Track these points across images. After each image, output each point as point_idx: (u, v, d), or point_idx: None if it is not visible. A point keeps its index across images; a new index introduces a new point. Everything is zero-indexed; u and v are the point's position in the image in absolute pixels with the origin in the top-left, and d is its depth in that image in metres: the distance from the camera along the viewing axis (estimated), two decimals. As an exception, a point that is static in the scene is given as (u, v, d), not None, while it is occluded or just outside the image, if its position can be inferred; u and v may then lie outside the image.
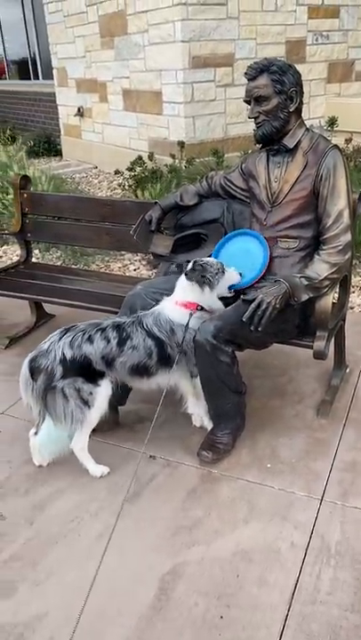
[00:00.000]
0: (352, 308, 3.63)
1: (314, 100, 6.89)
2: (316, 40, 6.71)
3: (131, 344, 2.19)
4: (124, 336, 2.20)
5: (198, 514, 2.09)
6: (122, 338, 2.19)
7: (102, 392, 2.19)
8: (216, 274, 2.25)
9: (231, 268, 2.30)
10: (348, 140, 5.56)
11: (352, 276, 3.97)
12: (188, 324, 2.21)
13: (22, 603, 1.80)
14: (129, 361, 2.20)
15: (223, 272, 2.27)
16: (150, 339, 2.21)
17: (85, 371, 2.15)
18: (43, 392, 2.13)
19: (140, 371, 2.24)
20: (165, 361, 2.24)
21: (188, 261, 2.33)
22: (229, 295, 2.31)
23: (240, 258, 2.39)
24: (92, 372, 2.16)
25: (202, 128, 6.24)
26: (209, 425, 2.44)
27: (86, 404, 2.16)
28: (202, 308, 2.25)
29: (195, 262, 2.26)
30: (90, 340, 2.16)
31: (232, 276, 2.29)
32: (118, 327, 2.22)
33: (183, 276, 2.28)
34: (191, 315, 2.22)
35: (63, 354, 2.13)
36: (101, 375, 2.19)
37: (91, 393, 2.16)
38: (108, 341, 2.18)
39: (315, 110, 6.89)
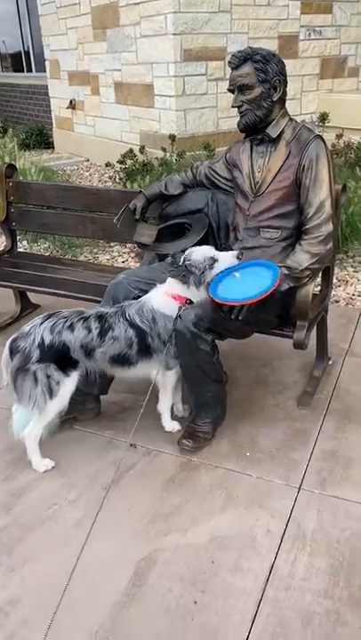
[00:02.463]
0: (338, 301, 3.64)
1: (306, 96, 6.89)
2: (309, 35, 6.71)
3: (112, 334, 2.19)
4: (106, 326, 2.19)
5: (176, 501, 2.10)
6: (103, 328, 2.18)
7: (68, 384, 2.19)
8: (202, 272, 2.21)
9: (228, 254, 2.25)
10: (339, 136, 5.56)
11: (338, 270, 4.02)
12: (177, 317, 2.19)
13: (-4, 588, 1.80)
14: (109, 351, 2.20)
15: (212, 265, 2.21)
16: (132, 329, 2.20)
17: (61, 358, 2.14)
18: (15, 372, 2.13)
19: (121, 360, 2.24)
20: (146, 351, 2.24)
21: (183, 251, 2.30)
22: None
23: (247, 277, 2.20)
24: (66, 361, 2.16)
25: (193, 122, 6.23)
26: (181, 414, 2.47)
27: (51, 392, 2.15)
28: (191, 302, 2.25)
29: (183, 260, 2.23)
30: (71, 327, 2.16)
31: (226, 261, 2.22)
32: (101, 317, 2.21)
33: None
34: (180, 308, 2.21)
35: (42, 338, 2.13)
36: (74, 366, 2.19)
37: (58, 382, 2.16)
38: (90, 331, 2.17)
39: (307, 106, 6.90)
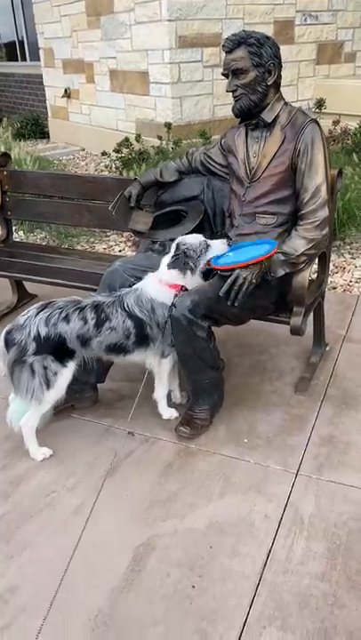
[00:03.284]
0: (335, 288, 3.64)
1: (303, 82, 6.84)
2: (305, 20, 6.64)
3: (109, 325, 2.18)
4: (103, 317, 2.18)
5: (174, 488, 2.10)
6: (100, 319, 2.18)
7: (65, 374, 2.19)
8: (199, 256, 2.23)
9: (218, 241, 2.28)
10: (335, 122, 5.53)
11: (335, 256, 4.01)
12: (172, 304, 2.19)
13: (-4, 575, 1.80)
14: (106, 341, 2.19)
15: (207, 249, 2.24)
16: (130, 320, 2.20)
17: (58, 349, 2.14)
18: (12, 364, 2.12)
19: (117, 349, 2.24)
20: (143, 340, 2.24)
21: (173, 239, 2.30)
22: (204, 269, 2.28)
23: (245, 252, 2.23)
24: (63, 352, 2.16)
25: (189, 109, 6.19)
26: (178, 400, 2.49)
27: (48, 383, 2.15)
28: (186, 289, 2.24)
29: (177, 247, 2.24)
30: (66, 319, 2.15)
31: (217, 247, 2.25)
32: (97, 307, 2.20)
33: (167, 258, 2.27)
34: (176, 296, 2.20)
35: (38, 331, 2.12)
36: (71, 356, 2.19)
37: (55, 373, 2.15)
38: (86, 322, 2.16)
39: (303, 92, 6.84)
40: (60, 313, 2.16)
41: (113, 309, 2.20)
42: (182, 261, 2.21)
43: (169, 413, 2.44)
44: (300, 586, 1.71)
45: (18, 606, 1.70)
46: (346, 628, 1.59)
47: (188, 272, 2.22)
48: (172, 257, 2.24)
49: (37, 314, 2.16)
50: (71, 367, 2.21)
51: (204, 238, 2.27)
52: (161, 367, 2.33)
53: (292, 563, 1.79)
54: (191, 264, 2.21)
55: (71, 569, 1.76)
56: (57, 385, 2.17)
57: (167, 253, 2.29)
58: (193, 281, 2.25)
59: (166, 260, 2.27)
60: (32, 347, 2.11)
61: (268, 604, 1.66)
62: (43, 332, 2.12)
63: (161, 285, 2.24)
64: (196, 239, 2.25)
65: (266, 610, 1.65)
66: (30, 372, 2.12)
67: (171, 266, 2.24)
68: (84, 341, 2.18)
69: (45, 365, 2.13)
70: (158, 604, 1.68)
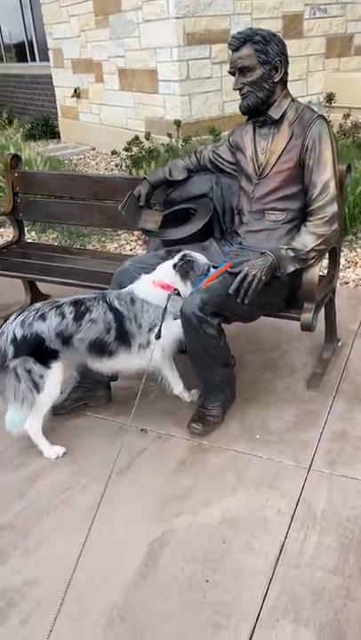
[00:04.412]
0: (347, 283, 3.63)
1: (312, 76, 6.81)
2: (314, 14, 6.61)
3: (89, 317, 2.15)
4: (83, 309, 2.16)
5: (187, 484, 2.12)
6: (79, 312, 2.15)
7: (53, 376, 2.16)
8: (200, 275, 2.26)
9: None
10: (346, 116, 5.50)
11: (347, 251, 4.00)
12: (166, 307, 2.20)
13: (13, 570, 1.84)
14: (87, 336, 2.16)
15: (208, 273, 2.27)
16: (111, 312, 2.18)
17: (37, 350, 2.12)
18: None
19: (99, 348, 2.20)
20: (124, 338, 2.21)
21: (179, 251, 2.33)
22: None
23: None
24: (43, 352, 2.13)
25: (198, 106, 6.19)
26: (189, 398, 2.50)
27: (36, 386, 2.14)
28: (178, 293, 2.26)
29: (185, 256, 2.27)
30: (42, 317, 2.13)
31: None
32: (76, 302, 2.18)
33: (169, 262, 2.28)
34: (170, 296, 2.21)
35: (14, 333, 2.12)
36: (54, 356, 2.16)
37: (42, 376, 2.14)
38: (63, 317, 2.14)
39: (313, 86, 6.82)
40: (36, 313, 2.15)
41: (94, 302, 2.19)
42: (187, 269, 2.24)
43: (188, 395, 2.49)
44: (313, 579, 1.73)
45: (34, 600, 1.73)
46: (359, 620, 1.60)
47: (189, 282, 2.24)
48: (181, 261, 2.25)
49: (15, 318, 2.16)
50: (57, 368, 2.17)
51: (209, 263, 2.30)
52: (156, 364, 2.32)
53: (305, 557, 1.80)
54: (192, 277, 2.24)
55: (87, 564, 1.79)
56: (47, 387, 2.16)
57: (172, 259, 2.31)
58: (187, 290, 2.26)
59: (165, 265, 2.29)
60: (10, 350, 2.11)
61: (281, 598, 1.68)
62: (18, 333, 2.11)
63: (153, 286, 2.25)
64: (203, 260, 2.29)
65: (279, 603, 1.67)
66: (15, 376, 2.11)
67: (175, 269, 2.25)
68: (65, 339, 2.15)
69: (28, 368, 2.11)
70: (172, 598, 1.71)
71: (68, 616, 1.66)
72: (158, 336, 2.19)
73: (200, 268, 2.26)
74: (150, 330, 2.22)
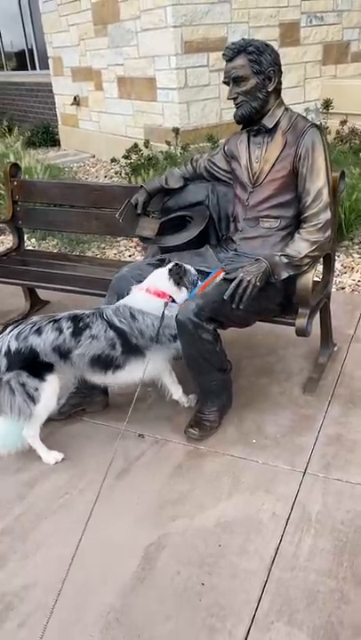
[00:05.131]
0: (343, 288, 3.66)
1: (309, 83, 6.86)
2: (311, 22, 6.67)
3: (90, 333, 2.17)
4: (81, 325, 2.17)
5: (184, 488, 2.15)
6: (78, 327, 2.16)
7: (48, 388, 2.18)
8: (192, 282, 2.30)
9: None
10: (343, 122, 5.55)
11: (343, 257, 4.03)
12: (163, 313, 2.22)
13: (12, 574, 1.86)
14: (89, 352, 2.17)
15: (196, 284, 2.30)
16: (112, 330, 2.19)
17: (30, 364, 2.13)
18: None
19: (103, 363, 2.21)
20: (132, 352, 2.23)
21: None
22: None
23: None
24: (37, 366, 2.14)
25: (196, 114, 6.24)
26: (187, 402, 2.51)
27: (32, 399, 2.15)
28: (173, 300, 2.28)
29: (176, 264, 2.31)
30: (38, 331, 2.15)
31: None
32: (74, 318, 2.20)
33: (162, 270, 2.31)
34: (167, 304, 2.24)
35: (8, 346, 2.13)
36: (49, 369, 2.17)
37: (36, 389, 2.15)
38: (61, 332, 2.16)
39: (310, 93, 6.87)
40: (32, 327, 2.16)
41: (93, 318, 2.21)
42: (181, 275, 2.27)
43: (187, 400, 2.52)
44: (308, 582, 1.75)
45: (33, 604, 1.76)
46: (352, 623, 1.62)
47: (183, 288, 2.27)
48: (173, 269, 2.28)
49: (10, 331, 2.19)
50: (52, 380, 2.19)
51: (197, 274, 2.34)
52: (154, 372, 2.34)
53: (300, 560, 1.82)
54: (186, 282, 2.27)
55: (84, 568, 1.81)
56: (43, 399, 2.17)
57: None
58: (180, 297, 2.28)
59: (158, 272, 2.32)
60: (4, 363, 2.12)
61: (275, 600, 1.70)
62: (13, 347, 2.13)
63: (147, 294, 2.27)
64: (192, 269, 2.33)
65: (274, 606, 1.69)
66: (9, 389, 2.13)
67: (169, 274, 2.27)
68: (63, 354, 2.16)
69: (22, 382, 2.13)
70: (169, 601, 1.73)
71: (65, 619, 1.68)
72: (157, 340, 2.22)
73: (191, 276, 2.30)
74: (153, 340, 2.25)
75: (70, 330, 2.16)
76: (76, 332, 2.17)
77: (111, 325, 2.20)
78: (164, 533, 1.96)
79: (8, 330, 2.21)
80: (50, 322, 2.19)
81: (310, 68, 6.81)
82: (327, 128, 5.26)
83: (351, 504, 2.01)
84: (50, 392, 2.19)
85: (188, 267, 2.33)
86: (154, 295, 2.26)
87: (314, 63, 6.84)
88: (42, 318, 2.22)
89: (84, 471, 2.28)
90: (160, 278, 2.30)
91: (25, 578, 1.85)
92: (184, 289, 2.28)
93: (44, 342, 2.14)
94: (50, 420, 2.32)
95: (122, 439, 2.42)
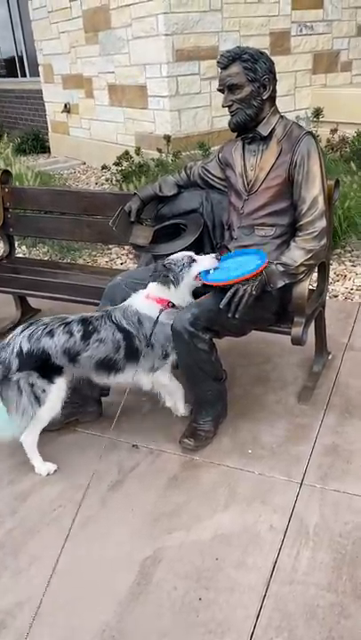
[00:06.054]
0: (336, 296, 3.65)
1: (300, 92, 6.90)
2: (301, 31, 6.71)
3: (97, 337, 2.17)
4: (90, 329, 2.18)
5: (179, 500, 2.11)
6: (87, 331, 2.17)
7: (55, 391, 2.18)
8: (181, 270, 2.24)
9: (208, 256, 2.30)
10: (333, 131, 5.58)
11: (336, 265, 4.03)
12: (157, 318, 2.21)
13: (3, 590, 1.81)
14: (96, 355, 2.18)
15: (190, 264, 2.24)
16: (119, 332, 2.20)
17: (42, 365, 2.13)
18: (0, 383, 2.14)
19: (107, 366, 2.22)
20: (133, 355, 2.23)
21: (166, 256, 2.33)
22: (197, 284, 2.27)
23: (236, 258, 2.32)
24: (48, 368, 2.15)
25: (187, 121, 6.25)
26: (182, 412, 2.47)
27: (38, 400, 2.15)
28: (173, 305, 2.26)
29: (159, 264, 2.28)
30: (50, 333, 2.15)
31: (204, 262, 2.26)
32: (84, 321, 2.20)
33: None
34: (161, 310, 2.22)
35: (21, 347, 2.13)
36: (59, 372, 2.18)
37: (44, 390, 2.15)
38: (71, 335, 2.15)
39: (301, 101, 6.90)
40: (45, 329, 2.16)
41: (101, 321, 2.21)
42: (162, 274, 2.23)
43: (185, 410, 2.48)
44: (307, 596, 1.72)
45: (26, 622, 1.70)
46: (353, 638, 1.59)
47: (171, 285, 2.23)
48: (153, 271, 2.27)
49: (22, 331, 2.17)
50: (61, 384, 2.19)
51: (190, 254, 2.28)
52: (157, 384, 2.33)
53: (298, 573, 1.79)
54: (172, 277, 2.22)
55: (79, 582, 1.77)
56: (49, 402, 2.17)
57: None
58: (178, 296, 2.26)
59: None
60: (15, 363, 2.11)
61: (274, 615, 1.67)
62: (25, 347, 2.13)
63: (147, 300, 2.26)
64: (180, 254, 2.28)
65: (273, 621, 1.65)
66: (17, 389, 2.12)
67: (151, 279, 2.26)
68: (72, 357, 2.16)
69: (31, 382, 2.13)
70: (166, 617, 1.69)
71: (60, 637, 1.64)
72: (148, 344, 2.19)
73: (176, 264, 2.23)
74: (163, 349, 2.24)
75: (80, 333, 2.16)
76: (86, 336, 2.17)
77: (119, 328, 2.20)
78: (160, 547, 1.92)
79: (19, 330, 2.18)
80: (61, 324, 2.18)
81: (301, 76, 6.86)
82: (318, 136, 5.28)
83: (349, 515, 1.98)
84: (56, 395, 2.19)
85: (173, 256, 2.28)
86: (152, 300, 2.24)
87: (304, 72, 6.89)
88: (53, 320, 2.20)
89: (77, 483, 2.23)
90: (152, 285, 2.28)
91: (17, 595, 1.80)
92: (173, 287, 2.21)
93: (55, 344, 2.14)
94: (43, 430, 2.27)
95: (116, 450, 2.39)
